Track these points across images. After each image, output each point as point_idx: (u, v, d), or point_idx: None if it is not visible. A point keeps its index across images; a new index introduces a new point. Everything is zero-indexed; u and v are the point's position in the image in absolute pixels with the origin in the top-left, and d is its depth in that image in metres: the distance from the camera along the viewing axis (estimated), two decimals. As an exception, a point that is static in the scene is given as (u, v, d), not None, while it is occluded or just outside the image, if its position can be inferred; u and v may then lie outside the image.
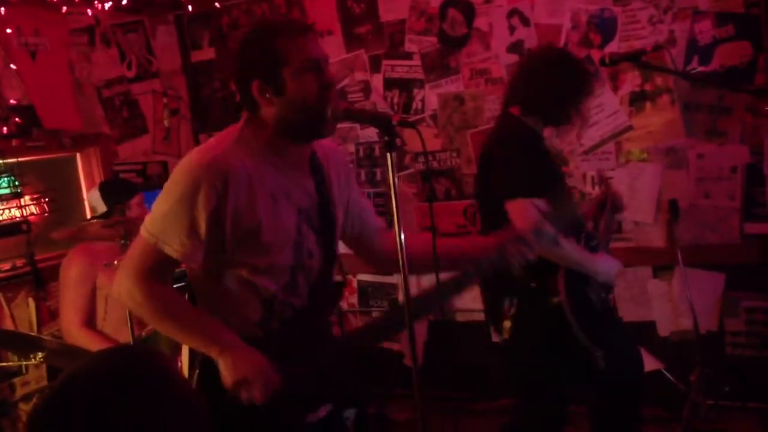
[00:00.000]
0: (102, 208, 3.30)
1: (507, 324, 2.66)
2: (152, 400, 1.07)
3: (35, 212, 3.89)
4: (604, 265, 2.69)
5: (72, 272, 3.23)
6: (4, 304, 3.73)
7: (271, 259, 1.86)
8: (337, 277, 2.20)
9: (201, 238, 1.78)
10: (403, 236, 1.67)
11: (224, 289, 1.90)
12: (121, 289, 1.83)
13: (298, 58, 1.77)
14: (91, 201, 3.41)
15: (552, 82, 2.64)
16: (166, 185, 1.83)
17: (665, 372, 3.85)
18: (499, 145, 2.70)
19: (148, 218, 1.84)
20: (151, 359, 1.15)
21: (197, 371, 1.84)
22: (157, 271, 1.83)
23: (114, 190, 3.36)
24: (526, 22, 3.99)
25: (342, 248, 2.13)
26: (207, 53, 4.87)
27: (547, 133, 2.80)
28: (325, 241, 1.96)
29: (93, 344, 3.03)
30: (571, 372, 2.73)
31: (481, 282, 2.84)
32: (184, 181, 1.78)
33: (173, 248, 1.78)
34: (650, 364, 3.91)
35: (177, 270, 1.96)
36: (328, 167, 2.00)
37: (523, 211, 2.52)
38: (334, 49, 4.41)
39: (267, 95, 1.80)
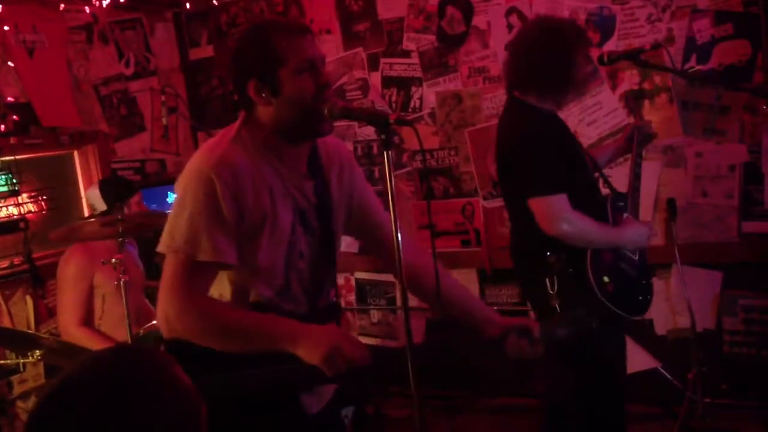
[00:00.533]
0: (101, 206, 3.30)
1: (555, 302, 2.63)
2: (150, 399, 1.07)
3: (33, 210, 3.89)
4: (631, 235, 2.68)
5: (69, 270, 3.23)
6: (1, 301, 3.72)
7: (267, 256, 1.84)
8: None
9: (229, 235, 1.74)
10: (400, 236, 1.66)
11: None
12: (170, 319, 1.73)
13: (295, 58, 1.76)
14: (90, 199, 3.40)
15: (541, 55, 2.60)
16: (178, 197, 1.78)
17: (662, 370, 3.86)
18: (516, 139, 2.65)
19: (166, 237, 1.76)
20: (150, 358, 1.15)
21: None
22: (197, 285, 1.75)
23: (114, 189, 3.35)
24: (524, 20, 3.99)
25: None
26: (205, 51, 4.87)
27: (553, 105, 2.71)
28: (319, 244, 1.94)
29: (91, 343, 3.03)
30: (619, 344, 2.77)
31: (517, 275, 2.89)
32: (196, 185, 1.73)
33: (206, 252, 1.72)
34: (647, 362, 3.93)
35: None
36: (329, 166, 1.97)
37: (547, 209, 2.52)
38: (332, 47, 4.41)
39: (263, 95, 1.78)
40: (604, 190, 2.87)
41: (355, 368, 1.71)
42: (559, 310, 2.62)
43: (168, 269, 1.75)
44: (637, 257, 2.74)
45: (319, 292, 1.97)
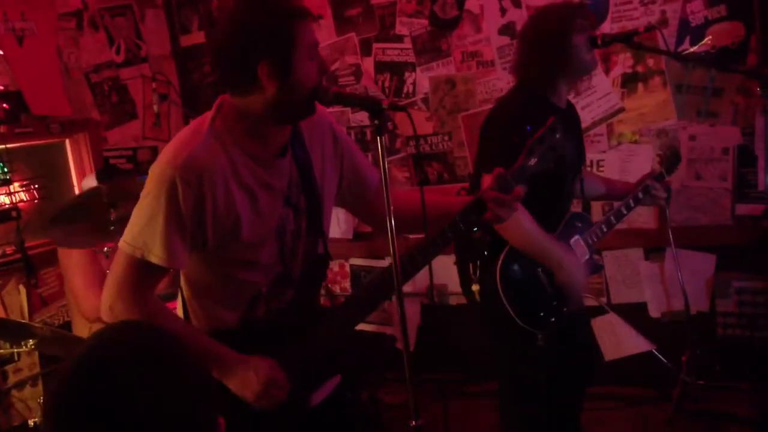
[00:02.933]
0: None
1: (476, 287, 2.63)
2: (171, 372, 1.09)
3: (25, 199, 3.86)
4: (566, 258, 2.55)
5: (74, 257, 3.20)
6: (-6, 291, 3.71)
7: (256, 254, 1.85)
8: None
9: (185, 241, 1.74)
10: (392, 221, 1.66)
11: (207, 285, 1.89)
12: (111, 310, 1.77)
13: (305, 41, 1.75)
14: (87, 187, 3.37)
15: (534, 37, 2.58)
16: (142, 195, 1.77)
17: (656, 353, 3.88)
18: (491, 115, 2.65)
19: (126, 232, 1.78)
20: (160, 332, 1.18)
21: None
22: (145, 283, 1.78)
23: (110, 176, 3.33)
24: (517, 3, 3.97)
25: (330, 234, 2.11)
26: (196, 37, 4.83)
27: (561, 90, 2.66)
28: (308, 218, 1.94)
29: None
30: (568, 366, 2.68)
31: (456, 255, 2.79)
32: (159, 186, 1.72)
33: (158, 256, 1.73)
34: (641, 345, 3.95)
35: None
36: (310, 140, 1.94)
37: None
38: (324, 33, 4.38)
39: (273, 76, 1.73)
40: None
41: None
42: (478, 297, 2.61)
43: (120, 262, 1.78)
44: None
45: (311, 263, 1.98)
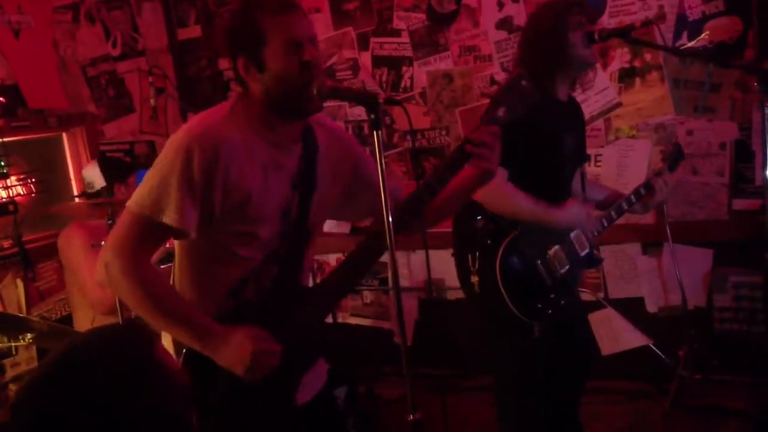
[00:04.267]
0: (101, 182, 3.27)
1: (475, 279, 2.63)
2: (135, 381, 1.08)
3: (22, 193, 3.86)
4: (563, 214, 2.55)
5: (75, 249, 3.18)
6: (-9, 285, 3.71)
7: (259, 228, 1.86)
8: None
9: (195, 206, 1.76)
10: (390, 218, 1.66)
11: (202, 261, 1.89)
12: (107, 268, 1.75)
13: (278, 35, 1.76)
14: (89, 177, 3.35)
15: (532, 37, 2.59)
16: (158, 159, 1.79)
17: (654, 347, 3.88)
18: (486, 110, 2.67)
19: (137, 193, 1.78)
20: (132, 337, 1.16)
21: (183, 353, 1.83)
22: (146, 245, 1.78)
23: (114, 165, 3.33)
24: (515, -2, 3.97)
25: (327, 228, 2.10)
26: (193, 31, 4.81)
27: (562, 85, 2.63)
28: (304, 204, 1.95)
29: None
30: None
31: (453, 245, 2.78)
32: (176, 150, 1.75)
33: (170, 216, 1.73)
34: (639, 339, 3.96)
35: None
36: (324, 141, 1.97)
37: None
38: (321, 27, 4.37)
39: (251, 71, 1.80)
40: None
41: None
42: (478, 289, 2.61)
43: (125, 222, 1.78)
44: (563, 273, 2.64)
45: (297, 246, 1.99)
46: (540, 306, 2.59)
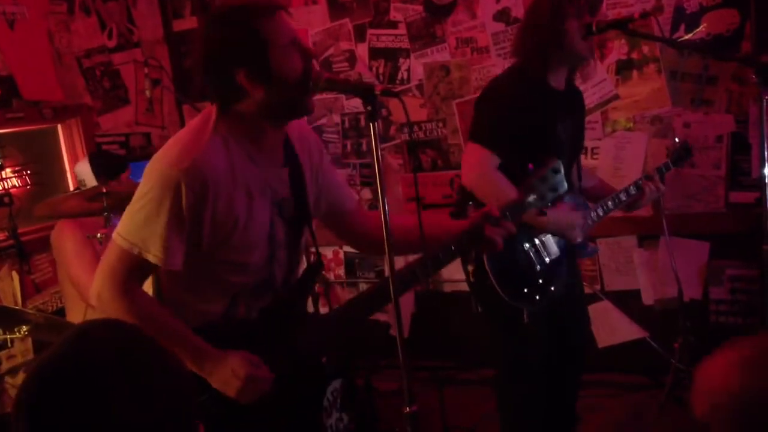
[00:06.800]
0: (92, 181, 3.25)
1: (470, 267, 2.65)
2: (142, 377, 1.07)
3: (17, 185, 3.84)
4: (545, 219, 2.53)
5: (68, 244, 3.17)
6: (-13, 277, 3.70)
7: (247, 256, 1.85)
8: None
9: (181, 243, 1.75)
10: (387, 208, 1.65)
11: (191, 284, 1.88)
12: (99, 297, 1.79)
13: (279, 36, 1.73)
14: (80, 174, 3.34)
15: (528, 26, 2.62)
16: (142, 189, 1.76)
17: (649, 340, 3.90)
18: (484, 91, 2.70)
19: (123, 226, 1.77)
20: (137, 332, 1.15)
21: None
22: (135, 277, 1.80)
23: (105, 163, 3.30)
24: (512, -11, 3.95)
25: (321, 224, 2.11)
26: (189, 22, 4.79)
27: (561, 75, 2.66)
28: (294, 230, 1.94)
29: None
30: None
31: None
32: (162, 188, 1.71)
33: (155, 255, 1.73)
34: (635, 332, 3.97)
35: None
36: (301, 151, 1.96)
37: (472, 155, 2.55)
38: (318, 18, 4.34)
39: (254, 82, 1.73)
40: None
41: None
42: (472, 278, 2.64)
43: (114, 253, 1.78)
44: (553, 258, 2.67)
45: (291, 273, 1.99)
46: (527, 291, 2.62)
